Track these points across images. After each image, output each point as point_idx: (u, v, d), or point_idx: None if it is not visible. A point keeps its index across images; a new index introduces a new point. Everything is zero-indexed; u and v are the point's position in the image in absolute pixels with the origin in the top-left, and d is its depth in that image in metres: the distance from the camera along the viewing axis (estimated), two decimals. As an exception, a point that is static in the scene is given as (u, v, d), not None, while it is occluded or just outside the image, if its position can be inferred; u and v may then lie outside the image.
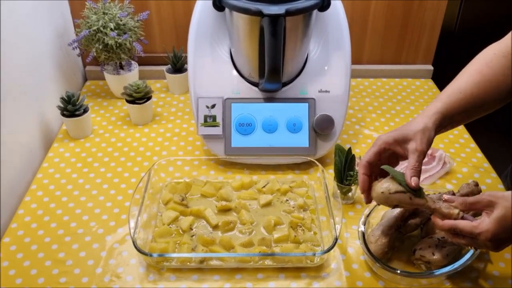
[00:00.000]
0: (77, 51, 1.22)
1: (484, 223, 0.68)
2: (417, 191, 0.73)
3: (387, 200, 0.75)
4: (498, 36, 0.83)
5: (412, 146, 0.75)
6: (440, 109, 0.77)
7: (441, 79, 1.41)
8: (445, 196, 0.74)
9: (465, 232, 0.70)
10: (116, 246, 0.88)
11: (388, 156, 0.79)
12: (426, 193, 0.88)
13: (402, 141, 0.76)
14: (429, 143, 0.75)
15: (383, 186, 0.75)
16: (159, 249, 0.83)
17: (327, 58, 1.06)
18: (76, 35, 1.20)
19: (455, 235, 0.72)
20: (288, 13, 0.89)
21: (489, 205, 0.68)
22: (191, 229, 0.89)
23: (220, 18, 1.04)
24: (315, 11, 0.96)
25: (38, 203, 0.97)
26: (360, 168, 0.78)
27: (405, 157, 0.77)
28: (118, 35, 1.16)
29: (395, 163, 0.80)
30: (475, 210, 0.72)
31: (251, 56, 1.00)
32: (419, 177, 0.74)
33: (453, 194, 0.86)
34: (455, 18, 1.38)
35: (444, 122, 0.78)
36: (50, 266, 0.84)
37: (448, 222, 0.71)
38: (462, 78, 0.80)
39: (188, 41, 1.06)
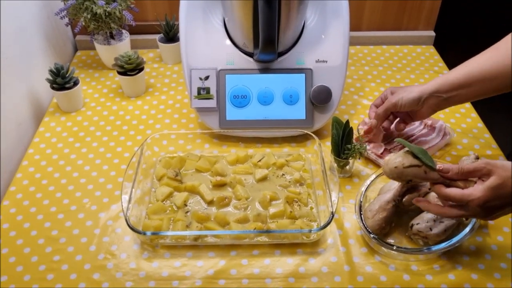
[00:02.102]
0: (66, 20, 1.18)
1: (477, 190, 0.67)
2: (432, 163, 0.72)
3: (401, 175, 0.73)
4: (500, 1, 0.79)
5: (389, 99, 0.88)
6: (442, 80, 0.85)
7: (443, 45, 1.36)
8: (440, 166, 0.72)
9: (456, 199, 0.69)
10: (109, 223, 0.87)
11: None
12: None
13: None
14: (401, 107, 0.89)
15: (396, 160, 0.73)
16: (153, 226, 0.82)
17: (325, 26, 1.02)
18: (64, 3, 1.15)
19: (450, 206, 0.71)
20: (283, -21, 0.84)
21: (486, 174, 0.68)
22: (186, 205, 0.88)
23: (212, -16, 0.99)
24: (311, -23, 0.92)
25: (30, 179, 0.95)
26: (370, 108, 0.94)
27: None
28: (107, 3, 1.11)
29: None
30: (472, 178, 0.70)
31: (245, 25, 0.95)
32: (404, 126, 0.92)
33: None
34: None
35: (450, 92, 0.84)
36: (43, 244, 0.83)
37: (439, 190, 0.71)
38: (474, 58, 0.85)
39: (180, 9, 1.02)
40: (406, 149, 0.74)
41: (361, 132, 0.95)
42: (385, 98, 0.93)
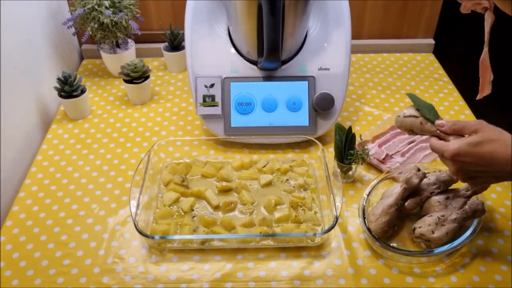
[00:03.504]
0: (72, 30, 1.20)
1: (453, 142, 0.69)
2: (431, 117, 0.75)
3: (401, 123, 0.79)
4: (499, 9, 0.81)
5: None
6: None
7: (443, 53, 1.39)
8: (437, 122, 0.75)
9: (435, 149, 0.72)
10: (118, 228, 0.88)
11: None
12: (426, 171, 0.89)
13: None
14: None
15: (402, 111, 0.79)
16: (160, 231, 0.84)
17: (327, 34, 1.05)
18: (71, 13, 1.18)
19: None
20: (287, -10, 0.87)
21: (474, 131, 0.68)
22: (192, 210, 0.90)
23: (217, -5, 1.02)
24: (314, -13, 0.94)
25: (38, 185, 0.97)
26: None
27: None
28: (114, 13, 1.14)
29: None
30: (463, 133, 0.71)
31: (249, 34, 0.98)
32: None
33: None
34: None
35: None
36: (53, 248, 0.84)
37: (429, 141, 0.74)
38: None
39: (185, 19, 1.04)
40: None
41: (364, 138, 0.97)
42: None
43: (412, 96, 0.78)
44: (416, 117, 0.77)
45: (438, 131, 0.75)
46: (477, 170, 0.68)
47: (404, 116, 0.78)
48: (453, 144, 0.69)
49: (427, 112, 0.77)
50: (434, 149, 0.73)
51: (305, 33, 1.04)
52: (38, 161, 1.03)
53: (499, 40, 0.97)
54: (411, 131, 0.79)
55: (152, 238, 0.81)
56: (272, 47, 0.92)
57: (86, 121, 1.14)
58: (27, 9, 1.08)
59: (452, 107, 1.17)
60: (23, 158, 1.03)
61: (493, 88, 0.83)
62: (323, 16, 1.05)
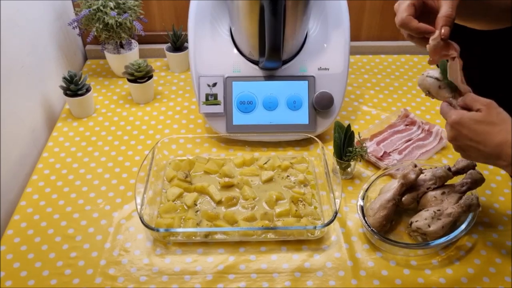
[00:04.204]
0: (77, 30, 1.23)
1: (457, 111, 0.71)
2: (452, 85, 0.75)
3: (422, 82, 0.79)
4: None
5: None
6: None
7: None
8: (450, 100, 0.75)
9: (441, 112, 0.74)
10: (123, 222, 0.91)
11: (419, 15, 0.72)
12: (423, 167, 0.91)
13: None
14: None
15: (427, 70, 0.80)
16: (165, 225, 0.86)
17: (326, 35, 1.07)
18: (76, 14, 1.20)
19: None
20: (288, -9, 0.90)
21: (479, 109, 0.70)
22: (195, 204, 0.92)
23: (220, -4, 1.05)
24: (314, -11, 0.97)
25: (45, 181, 0.99)
26: (410, 22, 0.70)
27: (434, 10, 0.71)
28: (118, 14, 1.17)
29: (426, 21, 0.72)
30: (470, 108, 0.72)
31: (251, 34, 1.01)
32: (451, 27, 0.69)
33: (449, 169, 0.89)
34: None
35: None
36: (60, 241, 0.87)
37: (441, 105, 0.75)
38: None
39: (188, 20, 1.07)
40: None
41: (362, 136, 1.00)
42: (417, 4, 0.72)
43: (442, 62, 0.77)
44: (438, 80, 0.77)
45: (450, 99, 0.75)
46: (469, 145, 0.70)
47: (427, 76, 0.78)
48: (457, 113, 0.71)
49: (450, 80, 0.76)
50: (441, 112, 0.75)
51: (305, 34, 1.07)
52: (44, 157, 1.05)
53: (499, 40, 0.99)
54: (428, 92, 0.79)
55: (157, 231, 0.84)
56: (273, 47, 0.95)
57: (91, 119, 1.16)
58: (34, 9, 1.11)
59: (448, 107, 1.20)
60: (29, 154, 1.05)
61: (492, 90, 0.86)
62: (322, 18, 1.08)
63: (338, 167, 0.97)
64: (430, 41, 0.71)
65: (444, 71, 0.77)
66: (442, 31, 0.68)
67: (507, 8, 0.80)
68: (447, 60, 0.74)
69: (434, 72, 0.79)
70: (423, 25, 0.70)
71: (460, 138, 0.71)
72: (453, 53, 0.73)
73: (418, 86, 0.82)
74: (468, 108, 0.72)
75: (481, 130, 0.69)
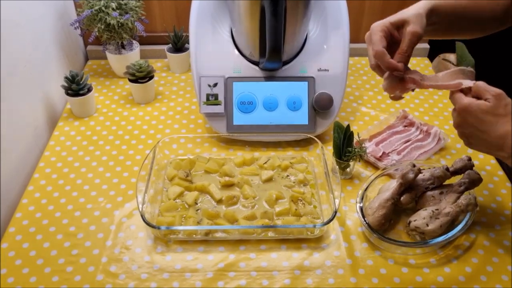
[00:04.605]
0: (79, 31, 1.24)
1: (469, 99, 0.71)
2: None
3: (437, 64, 0.82)
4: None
5: (407, 28, 0.74)
6: (433, 2, 0.78)
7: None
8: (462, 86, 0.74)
9: (452, 99, 0.74)
10: (124, 220, 0.91)
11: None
12: (421, 168, 0.92)
13: (399, 24, 0.76)
14: (422, 28, 0.75)
15: (445, 54, 0.81)
16: (166, 223, 0.87)
17: (326, 37, 1.09)
18: (78, 15, 1.21)
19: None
20: (289, -7, 0.91)
21: (488, 99, 0.70)
22: (196, 203, 0.93)
23: (221, -2, 1.06)
24: (315, -9, 0.98)
25: (47, 179, 1.00)
26: (383, 56, 0.74)
27: (399, 42, 0.76)
28: (120, 15, 1.18)
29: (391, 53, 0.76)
30: (480, 97, 0.72)
31: (252, 35, 1.02)
32: (406, 63, 0.75)
33: (447, 169, 0.91)
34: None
35: (433, 16, 0.78)
36: (62, 239, 0.87)
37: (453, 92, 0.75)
38: None
39: (190, 21, 1.08)
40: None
41: (361, 136, 1.01)
42: (386, 35, 0.76)
43: (459, 46, 0.77)
44: (453, 65, 0.78)
45: (462, 86, 0.74)
46: (473, 133, 0.72)
47: (443, 59, 0.78)
48: (466, 100, 0.71)
49: (465, 65, 0.76)
50: (451, 97, 0.75)
51: (305, 35, 1.08)
52: (45, 156, 1.06)
53: (500, 42, 1.01)
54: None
55: (158, 228, 0.84)
56: (274, 48, 0.96)
57: (92, 119, 1.17)
58: (36, 9, 1.11)
59: (446, 109, 1.21)
60: (31, 153, 1.06)
61: None
62: (322, 19, 1.09)
63: (337, 167, 0.98)
64: (384, 80, 0.76)
65: (460, 57, 0.77)
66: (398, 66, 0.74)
67: (492, 17, 0.82)
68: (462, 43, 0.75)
69: (451, 56, 0.78)
70: (392, 62, 0.74)
71: (465, 125, 0.73)
72: (411, 86, 0.76)
73: (431, 67, 0.81)
74: (477, 96, 0.72)
75: (486, 120, 0.70)
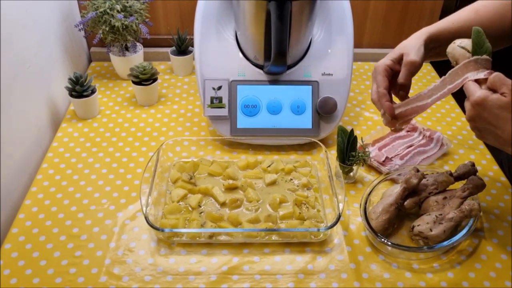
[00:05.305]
0: (83, 32, 1.24)
1: (485, 92, 0.69)
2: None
3: (452, 51, 0.76)
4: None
5: (405, 59, 0.79)
6: (430, 30, 0.83)
7: (440, 62, 1.43)
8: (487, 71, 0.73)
9: (467, 90, 0.72)
10: (127, 222, 0.91)
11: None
12: (425, 173, 0.93)
13: (399, 59, 0.81)
14: (420, 57, 0.79)
15: (461, 39, 0.77)
16: (169, 225, 0.87)
17: (330, 41, 1.09)
18: (82, 16, 1.22)
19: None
20: (295, -3, 0.91)
21: (505, 93, 0.68)
22: (200, 206, 0.93)
23: (226, 1, 1.07)
24: (320, -4, 0.99)
25: (50, 181, 1.00)
26: (382, 98, 0.82)
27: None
28: (125, 17, 1.18)
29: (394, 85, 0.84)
30: (496, 89, 0.70)
31: (257, 39, 1.02)
32: (407, 92, 0.82)
33: (451, 174, 0.91)
34: (454, 3, 1.41)
35: (432, 43, 0.82)
36: (65, 240, 0.87)
37: (466, 82, 0.74)
38: (458, 13, 0.85)
39: (195, 24, 1.09)
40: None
41: (365, 141, 1.01)
42: (388, 75, 0.82)
43: (476, 31, 0.74)
44: (469, 51, 0.74)
45: (478, 77, 0.72)
46: (487, 128, 0.70)
47: (458, 46, 0.75)
48: (481, 93, 0.69)
49: (481, 53, 0.74)
50: (466, 89, 0.73)
51: (309, 40, 1.09)
52: (49, 157, 1.06)
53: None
54: (456, 63, 0.76)
55: (162, 231, 0.84)
56: (279, 52, 0.96)
57: (95, 120, 1.17)
58: (41, 10, 1.12)
59: (449, 114, 1.22)
60: (34, 154, 1.06)
61: None
62: (327, 24, 1.10)
63: (341, 171, 0.98)
64: (382, 119, 0.84)
65: (476, 44, 0.74)
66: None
67: (500, 35, 0.83)
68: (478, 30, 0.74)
69: (466, 42, 0.75)
70: (385, 105, 0.82)
71: (479, 120, 0.70)
72: (406, 124, 0.84)
73: (447, 53, 0.78)
74: (493, 89, 0.70)
75: (502, 116, 0.67)
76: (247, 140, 1.08)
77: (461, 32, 0.81)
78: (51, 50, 1.17)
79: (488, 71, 0.73)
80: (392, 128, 0.86)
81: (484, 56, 0.74)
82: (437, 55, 0.85)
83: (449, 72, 0.77)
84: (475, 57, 0.74)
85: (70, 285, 0.80)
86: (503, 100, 0.68)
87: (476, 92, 0.70)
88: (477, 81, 0.73)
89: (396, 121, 0.84)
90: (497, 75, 0.70)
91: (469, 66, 0.74)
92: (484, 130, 0.72)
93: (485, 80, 0.72)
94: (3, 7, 0.92)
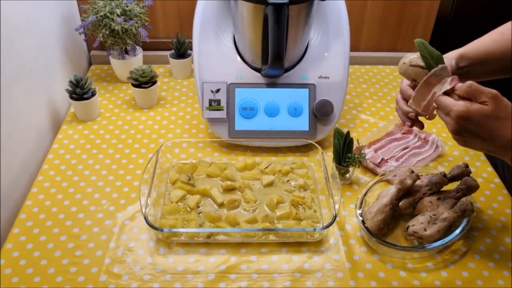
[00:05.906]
0: (83, 36, 1.26)
1: (465, 104, 0.68)
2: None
3: (405, 72, 0.76)
4: (491, 24, 0.88)
5: None
6: (460, 49, 0.84)
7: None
8: (456, 84, 0.72)
9: (443, 105, 0.71)
10: (127, 223, 0.93)
11: None
12: (419, 174, 0.94)
13: None
14: (452, 68, 0.81)
15: (409, 57, 0.76)
16: (168, 225, 0.89)
17: (327, 45, 1.11)
18: (82, 20, 1.23)
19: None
20: (292, 1, 0.93)
21: (485, 102, 0.67)
22: (198, 206, 0.94)
23: (224, 5, 1.08)
24: (316, 1, 1.01)
25: (50, 182, 1.01)
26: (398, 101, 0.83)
27: None
28: (125, 20, 1.20)
29: None
30: (473, 99, 0.69)
31: (254, 42, 1.04)
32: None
33: (445, 175, 0.92)
34: (450, 7, 1.43)
35: (462, 61, 0.83)
36: (65, 240, 0.89)
37: (438, 97, 0.73)
38: (484, 36, 0.86)
39: (193, 27, 1.10)
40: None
41: (361, 143, 1.03)
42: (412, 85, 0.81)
43: (420, 44, 0.73)
44: (423, 68, 0.73)
45: (448, 89, 0.71)
46: (474, 138, 0.69)
47: (410, 65, 0.74)
48: (462, 106, 0.68)
49: (434, 64, 0.72)
50: (440, 105, 0.71)
51: (306, 43, 1.11)
52: (49, 159, 1.07)
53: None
54: (414, 80, 0.76)
55: (161, 230, 0.86)
56: (276, 55, 0.98)
57: (95, 122, 1.19)
58: (42, 13, 1.13)
59: (444, 117, 1.23)
60: (35, 155, 1.07)
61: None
62: (323, 28, 1.11)
63: (337, 172, 1.00)
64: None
65: (425, 58, 0.73)
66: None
67: None
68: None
69: (415, 59, 0.74)
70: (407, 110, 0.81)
71: (465, 133, 0.69)
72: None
73: (400, 73, 0.77)
74: (470, 99, 0.69)
75: (489, 126, 0.67)
76: (245, 142, 1.09)
77: (490, 52, 0.84)
78: (51, 53, 1.19)
79: (450, 78, 0.73)
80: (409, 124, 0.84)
81: (440, 66, 0.73)
82: (471, 74, 0.85)
83: (415, 90, 0.77)
84: (432, 70, 0.73)
85: (71, 284, 0.81)
86: (486, 109, 0.67)
87: (454, 106, 0.69)
88: (446, 92, 0.72)
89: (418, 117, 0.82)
90: (472, 85, 0.69)
91: (431, 81, 0.73)
92: (471, 141, 0.71)
93: (452, 89, 0.72)
94: (4, 10, 0.94)
